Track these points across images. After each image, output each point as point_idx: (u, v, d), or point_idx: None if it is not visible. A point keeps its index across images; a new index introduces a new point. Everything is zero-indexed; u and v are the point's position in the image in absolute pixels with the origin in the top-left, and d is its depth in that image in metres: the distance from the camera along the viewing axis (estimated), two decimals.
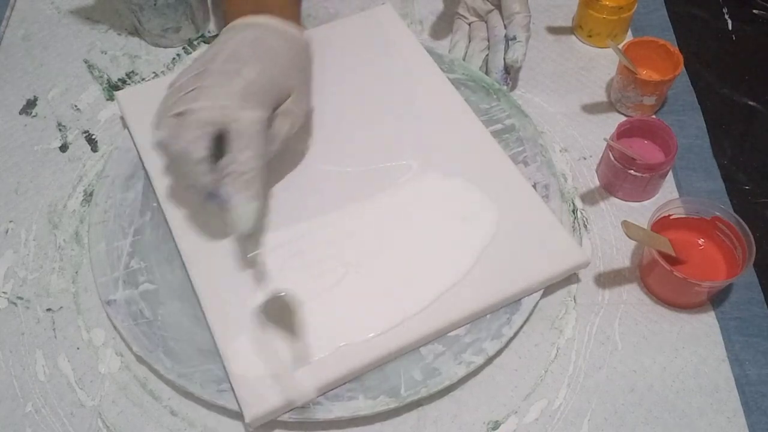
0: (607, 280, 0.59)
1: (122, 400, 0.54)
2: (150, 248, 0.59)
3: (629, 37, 0.76)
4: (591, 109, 0.70)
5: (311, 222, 0.58)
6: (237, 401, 0.50)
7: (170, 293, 0.57)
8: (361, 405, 0.51)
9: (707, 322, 0.56)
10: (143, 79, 0.74)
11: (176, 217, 0.59)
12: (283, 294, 0.53)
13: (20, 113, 0.72)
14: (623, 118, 0.65)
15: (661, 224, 0.57)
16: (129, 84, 0.73)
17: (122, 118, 0.68)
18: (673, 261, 0.55)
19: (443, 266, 0.56)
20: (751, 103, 0.72)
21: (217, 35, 0.77)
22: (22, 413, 0.53)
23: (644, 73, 0.68)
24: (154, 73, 0.74)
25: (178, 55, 0.76)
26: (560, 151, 0.67)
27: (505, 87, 0.69)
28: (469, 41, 0.73)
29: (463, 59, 0.72)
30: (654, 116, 0.68)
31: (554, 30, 0.77)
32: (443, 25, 0.77)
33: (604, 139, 0.60)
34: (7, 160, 0.68)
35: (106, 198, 0.62)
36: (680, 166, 0.65)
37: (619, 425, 0.52)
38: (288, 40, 0.56)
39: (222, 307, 0.54)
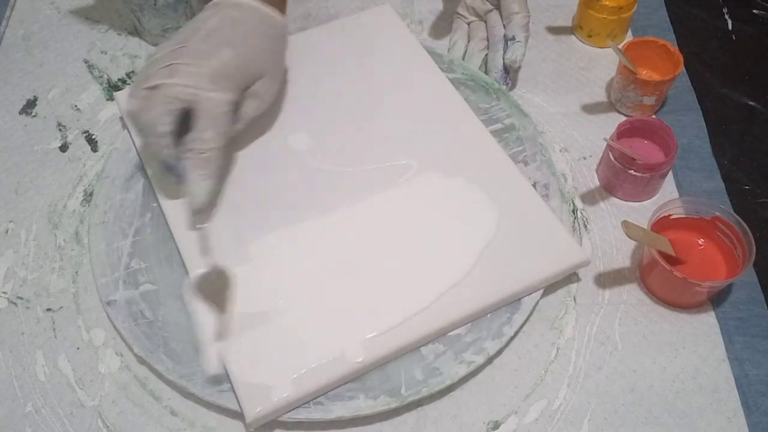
0: (607, 280, 0.59)
1: (122, 400, 0.54)
2: (150, 248, 0.59)
3: (629, 37, 0.76)
4: (591, 109, 0.70)
5: (311, 222, 0.58)
6: (238, 401, 0.50)
7: (171, 293, 0.57)
8: (362, 405, 0.51)
9: (707, 322, 0.56)
10: None
11: (176, 217, 0.59)
12: (217, 268, 0.55)
13: (20, 113, 0.72)
14: (623, 118, 0.65)
15: (661, 224, 0.57)
16: (129, 84, 0.73)
17: (122, 118, 0.68)
18: (673, 261, 0.55)
19: (443, 266, 0.56)
20: (751, 103, 0.72)
21: None
22: (22, 413, 0.53)
23: (644, 73, 0.68)
24: None
25: None
26: (560, 151, 0.67)
27: (504, 87, 0.69)
28: (469, 41, 0.73)
29: (462, 59, 0.72)
30: (654, 116, 0.68)
31: (554, 30, 0.77)
32: (443, 25, 0.77)
33: (604, 139, 0.60)
34: (7, 160, 0.68)
35: (105, 199, 0.62)
36: (680, 166, 0.65)
37: (619, 425, 0.52)
38: (267, 24, 0.58)
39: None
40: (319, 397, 0.51)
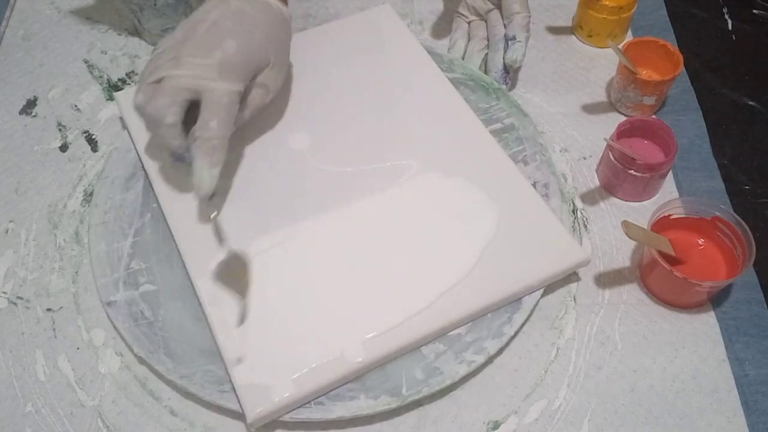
0: (607, 280, 0.59)
1: (122, 400, 0.54)
2: (150, 249, 0.59)
3: (629, 37, 0.76)
4: (591, 109, 0.70)
5: (310, 222, 0.58)
6: (239, 402, 0.50)
7: (171, 294, 0.57)
8: (363, 405, 0.51)
9: (707, 322, 0.56)
10: None
11: (176, 218, 0.59)
12: (235, 254, 0.55)
13: (20, 113, 0.72)
14: (623, 118, 0.65)
15: (661, 224, 0.57)
16: (129, 84, 0.74)
17: (121, 118, 0.68)
18: (673, 261, 0.55)
19: (444, 266, 0.56)
20: (751, 103, 0.72)
21: None
22: (22, 413, 0.53)
23: (644, 73, 0.68)
24: None
25: None
26: (560, 151, 0.67)
27: (504, 86, 0.69)
28: (469, 40, 0.73)
29: (462, 58, 0.72)
30: (654, 116, 0.68)
31: (554, 30, 0.77)
32: (443, 25, 0.77)
33: (604, 139, 0.60)
34: (7, 160, 0.68)
35: (105, 199, 0.62)
36: (680, 166, 0.65)
37: (619, 425, 0.52)
38: (269, 14, 0.58)
39: (223, 308, 0.54)
40: (319, 397, 0.51)
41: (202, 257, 0.56)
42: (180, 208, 0.59)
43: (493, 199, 0.59)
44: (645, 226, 0.55)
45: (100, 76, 0.74)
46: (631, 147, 0.62)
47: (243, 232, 0.58)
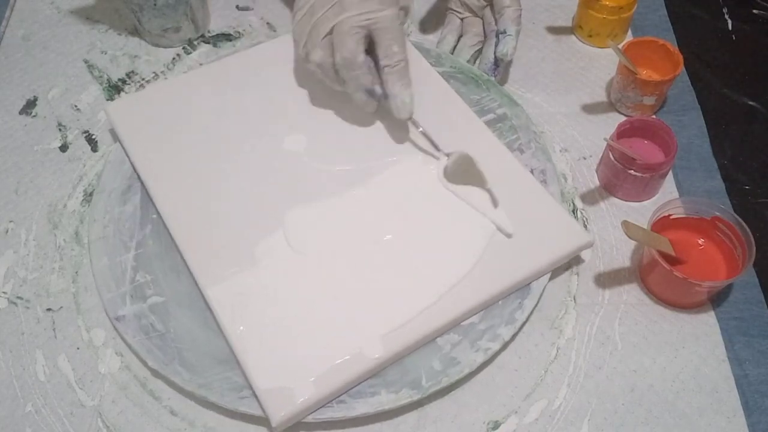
0: (607, 280, 0.59)
1: (122, 400, 0.54)
2: (154, 260, 0.58)
3: (629, 37, 0.76)
4: (591, 109, 0.70)
5: (317, 223, 0.58)
6: (261, 407, 0.50)
7: (179, 304, 0.56)
8: (384, 400, 0.51)
9: (707, 322, 0.56)
10: (143, 79, 0.74)
11: (179, 227, 0.58)
12: (455, 153, 0.59)
13: (20, 113, 0.72)
14: (623, 118, 0.65)
15: (661, 224, 0.57)
16: (129, 84, 0.73)
17: (111, 131, 0.68)
18: (673, 261, 0.55)
19: (453, 256, 0.56)
20: (751, 103, 0.72)
21: (217, 35, 0.78)
22: (22, 413, 0.53)
23: (644, 73, 0.68)
24: (154, 73, 0.74)
25: (178, 55, 0.76)
26: (560, 151, 0.67)
27: (492, 77, 0.69)
28: (461, 36, 0.73)
29: (451, 53, 0.72)
30: (654, 116, 0.68)
31: (554, 30, 0.77)
32: (433, 20, 0.77)
33: (604, 139, 0.60)
34: (7, 160, 0.68)
35: (103, 213, 0.61)
36: (680, 166, 0.65)
37: (619, 425, 0.52)
38: None
39: (237, 314, 0.53)
40: (341, 395, 0.51)
41: (209, 265, 0.56)
42: (182, 218, 0.58)
43: (495, 188, 0.59)
44: (645, 226, 0.55)
45: (100, 76, 0.74)
46: (631, 147, 0.62)
47: (246, 236, 0.57)
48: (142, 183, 0.62)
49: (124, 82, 0.74)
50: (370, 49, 0.59)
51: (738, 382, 0.53)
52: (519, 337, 0.56)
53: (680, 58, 0.66)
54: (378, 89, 0.60)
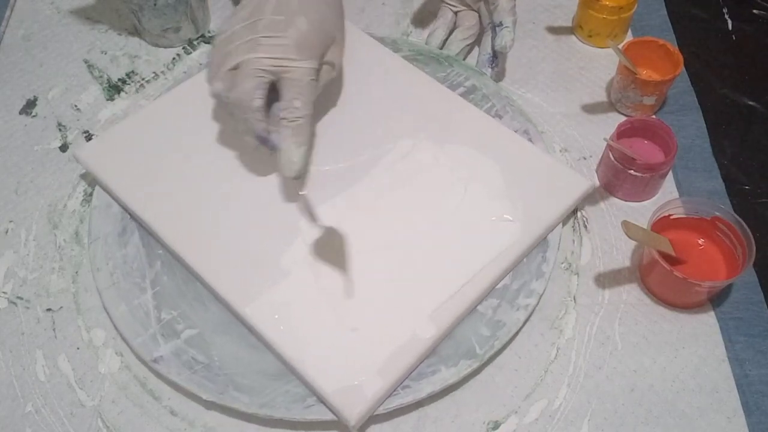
0: (607, 280, 0.59)
1: (122, 400, 0.54)
2: (175, 295, 0.57)
3: (629, 37, 0.76)
4: (591, 109, 0.70)
5: (337, 219, 0.57)
6: (332, 411, 0.50)
7: (215, 332, 0.55)
8: (446, 375, 0.52)
9: (707, 322, 0.56)
10: (143, 79, 0.74)
11: (196, 257, 0.56)
12: (330, 228, 0.55)
13: (20, 113, 0.72)
14: (623, 118, 0.65)
15: (661, 224, 0.57)
16: (129, 84, 0.73)
17: (82, 175, 0.66)
18: (673, 261, 0.55)
19: (483, 229, 0.57)
20: (751, 103, 0.72)
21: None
22: (22, 413, 0.53)
23: (644, 73, 0.68)
24: (154, 73, 0.74)
25: (178, 55, 0.76)
26: (560, 151, 0.67)
27: (489, 71, 0.69)
28: (453, 30, 0.73)
29: (440, 48, 0.72)
30: (654, 116, 0.68)
31: (554, 30, 0.77)
32: (426, 12, 0.77)
33: (604, 139, 0.60)
34: (7, 160, 0.68)
35: (105, 260, 0.58)
36: (680, 166, 0.65)
37: (619, 425, 0.52)
38: None
39: (282, 326, 0.53)
40: (404, 381, 0.52)
41: (240, 286, 0.55)
42: (196, 248, 0.57)
43: (489, 154, 0.61)
44: (645, 226, 0.55)
45: (100, 76, 0.74)
46: (631, 147, 0.62)
47: (271, 248, 0.56)
48: (138, 222, 0.60)
49: (124, 82, 0.74)
50: (276, 96, 0.56)
51: (738, 382, 0.53)
52: (519, 337, 0.56)
53: (680, 58, 0.66)
54: (272, 138, 0.56)
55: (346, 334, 0.52)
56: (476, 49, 0.73)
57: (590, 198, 0.64)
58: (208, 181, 0.61)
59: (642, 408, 0.53)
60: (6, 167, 0.68)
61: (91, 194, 0.64)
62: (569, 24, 0.77)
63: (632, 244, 0.60)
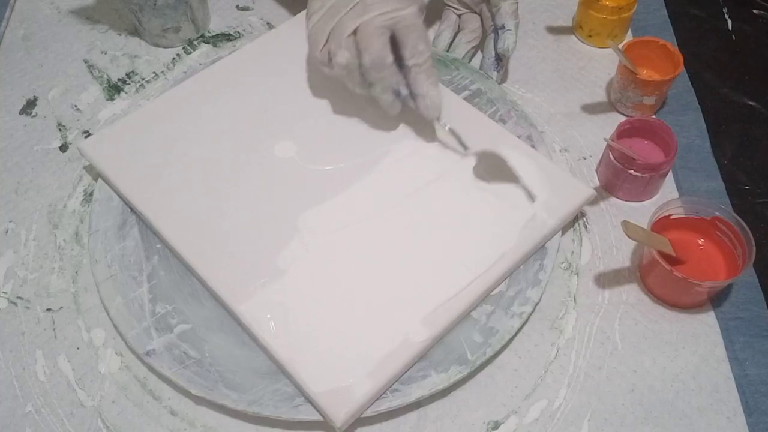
0: (607, 280, 0.59)
1: (122, 400, 0.54)
2: (170, 290, 0.57)
3: (629, 37, 0.76)
4: (591, 109, 0.70)
5: (334, 224, 0.58)
6: (319, 411, 0.50)
7: (208, 328, 0.55)
8: (436, 380, 0.52)
9: (707, 322, 0.56)
10: (143, 79, 0.74)
11: (193, 253, 0.57)
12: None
13: (20, 113, 0.72)
14: (623, 118, 0.65)
15: (661, 224, 0.57)
16: (129, 84, 0.73)
17: (86, 167, 0.67)
18: (673, 261, 0.55)
19: (478, 234, 0.57)
20: (751, 103, 0.72)
21: (217, 35, 0.78)
22: (22, 413, 0.53)
23: (644, 73, 0.68)
24: (154, 73, 0.74)
25: (178, 55, 0.76)
26: (560, 151, 0.67)
27: (495, 74, 0.69)
28: (459, 32, 0.73)
29: (447, 50, 0.72)
30: (654, 116, 0.68)
31: (554, 30, 0.77)
32: (429, 16, 0.77)
33: (604, 139, 0.60)
34: (7, 160, 0.68)
35: (104, 253, 0.59)
36: (680, 166, 0.65)
37: (619, 425, 0.52)
38: None
39: (275, 325, 0.53)
40: (394, 384, 0.52)
41: (235, 284, 0.55)
42: (194, 243, 0.57)
43: (494, 159, 0.60)
44: (645, 226, 0.55)
45: (100, 76, 0.74)
46: (631, 147, 0.62)
47: (267, 247, 0.57)
48: (137, 215, 0.61)
49: (124, 82, 0.74)
50: (393, 49, 0.58)
51: (738, 382, 0.53)
52: (519, 338, 0.56)
53: (680, 58, 0.66)
54: (403, 90, 0.59)
55: (337, 335, 0.52)
56: (479, 51, 0.73)
57: None
58: (209, 178, 0.61)
59: (642, 408, 0.53)
60: (6, 167, 0.68)
61: (91, 194, 0.64)
62: (569, 24, 0.77)
63: (632, 244, 0.60)
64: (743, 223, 0.54)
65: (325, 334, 0.52)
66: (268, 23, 0.79)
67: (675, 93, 0.70)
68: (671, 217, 0.58)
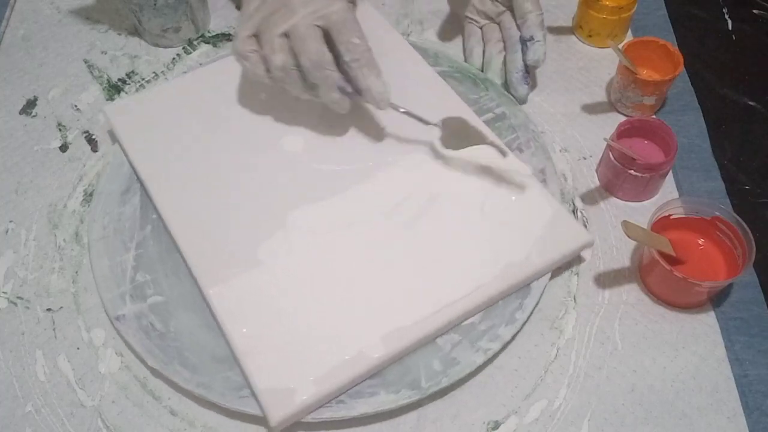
0: (607, 280, 0.59)
1: (122, 400, 0.54)
2: (154, 260, 0.58)
3: (629, 37, 0.76)
4: (591, 109, 0.70)
5: (318, 221, 0.58)
6: (260, 406, 0.50)
7: (180, 304, 0.56)
8: (384, 399, 0.51)
9: (707, 322, 0.56)
10: (143, 79, 0.74)
11: (180, 229, 0.58)
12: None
13: (20, 113, 0.72)
14: (623, 118, 0.65)
15: (661, 224, 0.57)
16: (129, 84, 0.74)
17: (110, 132, 0.68)
18: (673, 261, 0.55)
19: (456, 260, 0.56)
20: (751, 103, 0.72)
21: (217, 35, 0.78)
22: (22, 413, 0.53)
23: (644, 73, 0.68)
24: (154, 73, 0.74)
25: (178, 55, 0.76)
26: (560, 151, 0.67)
27: (525, 87, 0.68)
28: (484, 45, 0.72)
29: (482, 69, 0.71)
30: (654, 116, 0.68)
31: (554, 30, 0.77)
32: (449, 27, 0.77)
33: (604, 139, 0.60)
34: (7, 160, 0.68)
35: (103, 214, 0.61)
36: (680, 166, 0.65)
37: (619, 425, 0.52)
38: None
39: (238, 314, 0.53)
40: (340, 395, 0.51)
41: (211, 266, 0.56)
42: (183, 219, 0.58)
43: (497, 186, 0.59)
44: (645, 226, 0.55)
45: (100, 76, 0.74)
46: (631, 147, 0.62)
47: (248, 237, 0.57)
48: (141, 184, 0.62)
49: (124, 82, 0.74)
50: (329, 47, 0.57)
51: (738, 382, 0.53)
52: (519, 338, 0.56)
53: (680, 58, 0.66)
54: (348, 86, 0.57)
55: (296, 336, 0.52)
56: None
57: (590, 198, 0.64)
58: (213, 160, 0.63)
59: (642, 408, 0.53)
60: (6, 167, 0.68)
61: (91, 194, 0.65)
62: (569, 24, 0.77)
63: (632, 244, 0.60)
64: (743, 223, 0.54)
65: (284, 333, 0.53)
66: None
67: (675, 93, 0.70)
68: (671, 217, 0.58)
